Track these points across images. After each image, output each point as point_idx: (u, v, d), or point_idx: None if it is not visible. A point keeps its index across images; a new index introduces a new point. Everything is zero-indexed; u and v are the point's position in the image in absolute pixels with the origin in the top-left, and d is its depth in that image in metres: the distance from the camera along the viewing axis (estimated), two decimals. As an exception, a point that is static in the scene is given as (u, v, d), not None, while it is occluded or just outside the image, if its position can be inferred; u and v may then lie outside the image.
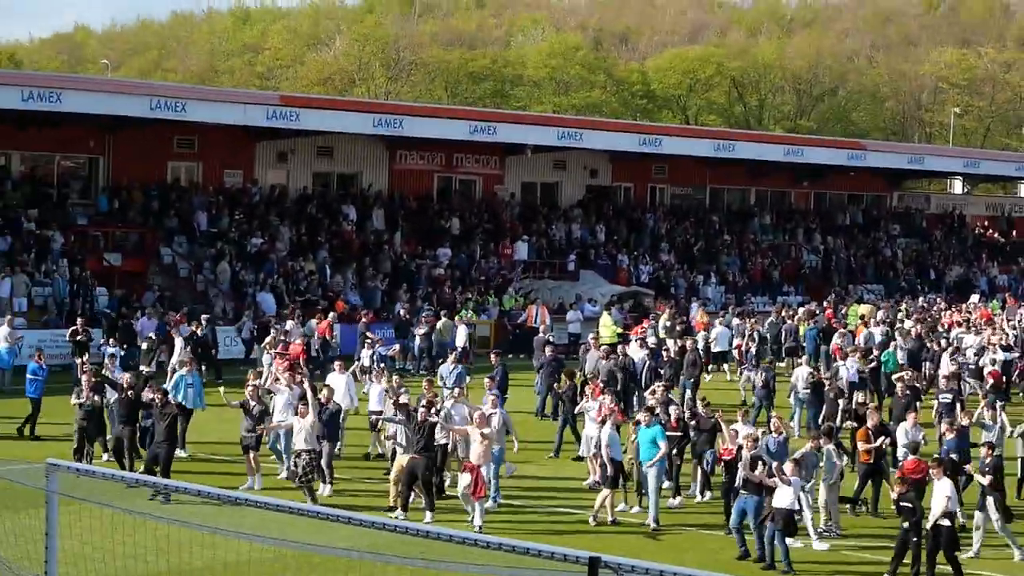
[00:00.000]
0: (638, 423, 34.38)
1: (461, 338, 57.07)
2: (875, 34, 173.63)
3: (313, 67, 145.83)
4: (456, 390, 38.95)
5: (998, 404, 39.12)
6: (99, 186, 68.75)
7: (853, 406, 42.21)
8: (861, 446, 34.62)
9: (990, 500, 30.86)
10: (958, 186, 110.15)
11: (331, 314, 57.51)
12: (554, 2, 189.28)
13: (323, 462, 35.39)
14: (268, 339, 50.14)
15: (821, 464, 32.86)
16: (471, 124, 76.63)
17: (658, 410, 36.05)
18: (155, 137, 68.41)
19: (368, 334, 52.13)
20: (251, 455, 35.63)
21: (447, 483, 35.85)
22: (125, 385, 37.38)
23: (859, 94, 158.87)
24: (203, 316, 54.89)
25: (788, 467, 30.48)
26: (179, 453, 37.09)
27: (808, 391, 44.47)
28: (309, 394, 35.35)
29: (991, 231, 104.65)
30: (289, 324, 53.42)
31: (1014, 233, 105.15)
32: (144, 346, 49.42)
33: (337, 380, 40.89)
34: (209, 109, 68.43)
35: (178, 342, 49.34)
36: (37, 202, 65.36)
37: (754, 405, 45.17)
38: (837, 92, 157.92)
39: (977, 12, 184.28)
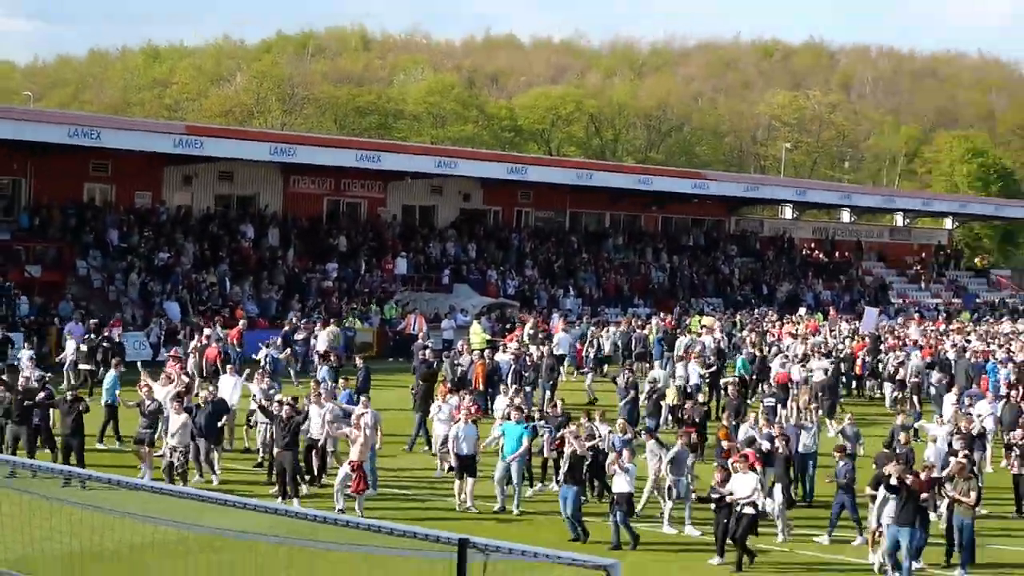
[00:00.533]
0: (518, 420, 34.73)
1: (323, 343, 56.54)
2: (716, 78, 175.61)
3: (216, 100, 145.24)
4: (321, 389, 38.87)
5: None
6: (21, 205, 68.19)
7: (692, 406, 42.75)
8: (725, 444, 34.45)
9: (777, 487, 31.48)
10: (788, 212, 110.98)
11: (241, 322, 57.30)
12: (432, 45, 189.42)
13: (202, 456, 35.79)
14: (193, 343, 50.49)
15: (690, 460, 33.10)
16: (357, 153, 76.90)
17: (526, 411, 36.65)
18: (73, 161, 67.93)
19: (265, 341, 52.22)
20: (144, 449, 35.50)
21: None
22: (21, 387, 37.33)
23: (702, 130, 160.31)
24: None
25: (626, 455, 30.98)
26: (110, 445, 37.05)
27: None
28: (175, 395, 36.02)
29: (817, 252, 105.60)
30: (207, 331, 53.13)
31: (836, 254, 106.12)
32: (84, 348, 49.31)
33: (226, 381, 40.69)
34: (122, 137, 68.26)
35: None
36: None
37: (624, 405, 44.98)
38: (683, 128, 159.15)
39: (806, 60, 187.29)
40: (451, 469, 35.28)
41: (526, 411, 36.70)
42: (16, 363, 44.21)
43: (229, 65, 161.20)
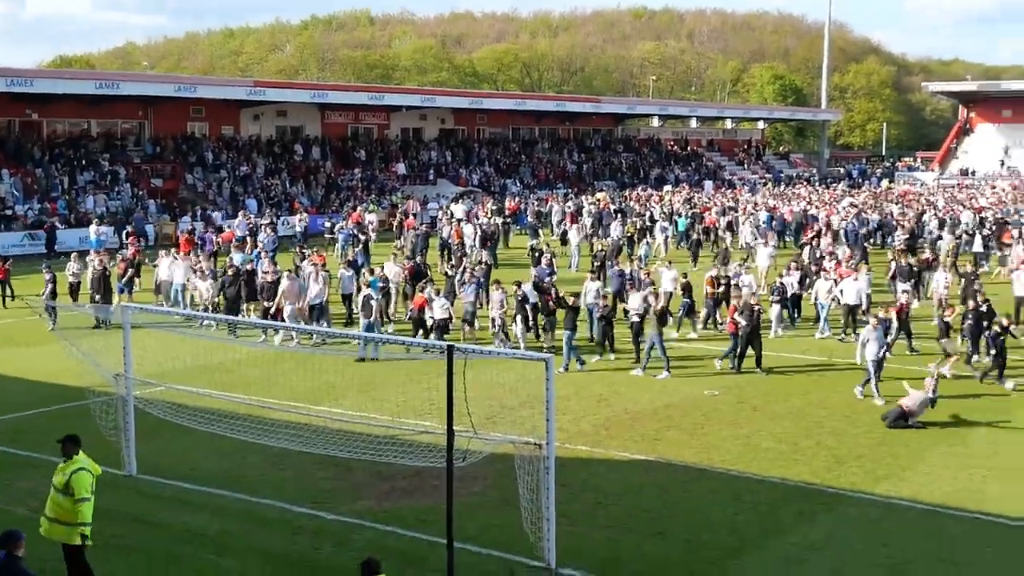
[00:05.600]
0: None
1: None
2: (605, 34, 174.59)
3: (273, 63, 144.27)
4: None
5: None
6: (145, 138, 67.50)
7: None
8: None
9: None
10: (656, 121, 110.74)
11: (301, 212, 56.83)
12: (416, 19, 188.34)
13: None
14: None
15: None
16: (368, 94, 78.19)
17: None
18: (178, 108, 67.51)
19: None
20: None
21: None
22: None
23: (597, 70, 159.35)
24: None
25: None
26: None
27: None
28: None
29: (675, 147, 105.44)
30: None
31: (688, 148, 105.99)
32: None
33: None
34: (211, 90, 69.15)
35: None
36: (109, 148, 64.24)
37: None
38: (584, 69, 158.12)
39: (664, 19, 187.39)
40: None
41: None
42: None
43: (281, 38, 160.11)
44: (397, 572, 14.29)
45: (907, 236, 48.00)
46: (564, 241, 50.74)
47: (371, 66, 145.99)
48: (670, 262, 36.89)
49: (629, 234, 49.82)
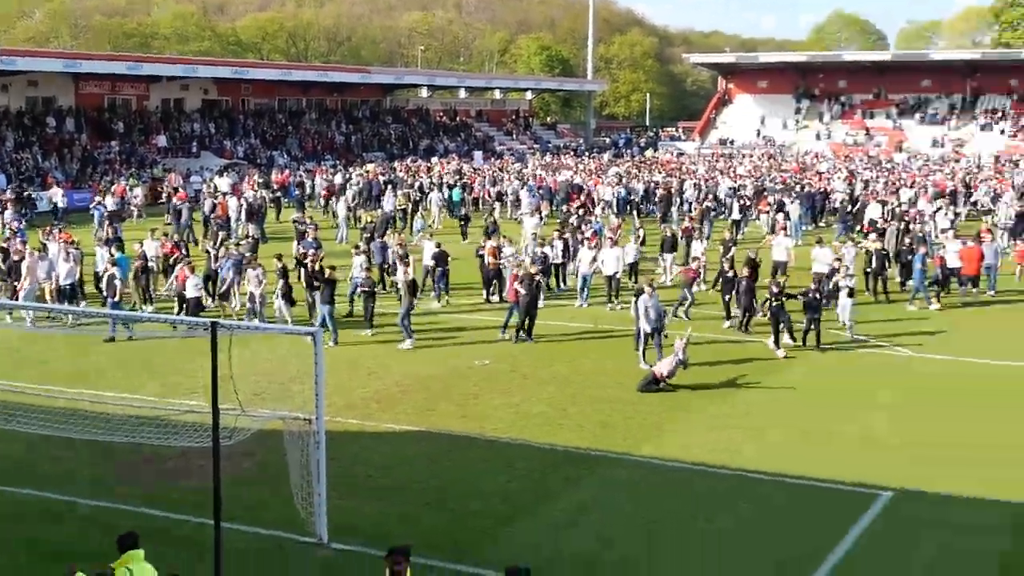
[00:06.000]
0: None
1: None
2: (371, 3, 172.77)
3: (21, 31, 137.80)
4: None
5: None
6: None
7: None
8: (491, 260, 32.04)
9: None
10: (424, 92, 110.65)
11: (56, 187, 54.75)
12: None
13: None
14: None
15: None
16: (127, 64, 75.10)
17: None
18: None
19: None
20: None
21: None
22: None
23: (364, 40, 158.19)
24: None
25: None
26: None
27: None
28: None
29: (444, 118, 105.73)
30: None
31: (458, 119, 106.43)
32: None
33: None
34: None
35: None
36: None
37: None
38: (351, 39, 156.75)
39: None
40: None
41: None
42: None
43: (29, 4, 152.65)
44: (167, 555, 14.03)
45: (664, 205, 49.93)
46: (334, 214, 50.31)
47: (128, 34, 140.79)
48: (431, 235, 36.96)
49: (403, 207, 49.90)
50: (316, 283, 27.69)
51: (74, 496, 16.28)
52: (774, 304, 25.85)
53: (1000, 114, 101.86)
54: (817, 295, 26.44)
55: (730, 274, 28.74)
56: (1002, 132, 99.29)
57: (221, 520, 13.33)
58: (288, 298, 28.50)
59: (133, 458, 17.63)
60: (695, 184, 57.05)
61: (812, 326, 26.22)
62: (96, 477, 17.14)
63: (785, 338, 25.96)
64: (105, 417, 17.43)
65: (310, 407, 14.63)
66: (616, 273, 31.59)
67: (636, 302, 25.15)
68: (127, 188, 55.50)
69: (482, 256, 32.68)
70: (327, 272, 27.35)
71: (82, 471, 17.36)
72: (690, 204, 52.27)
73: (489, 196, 56.49)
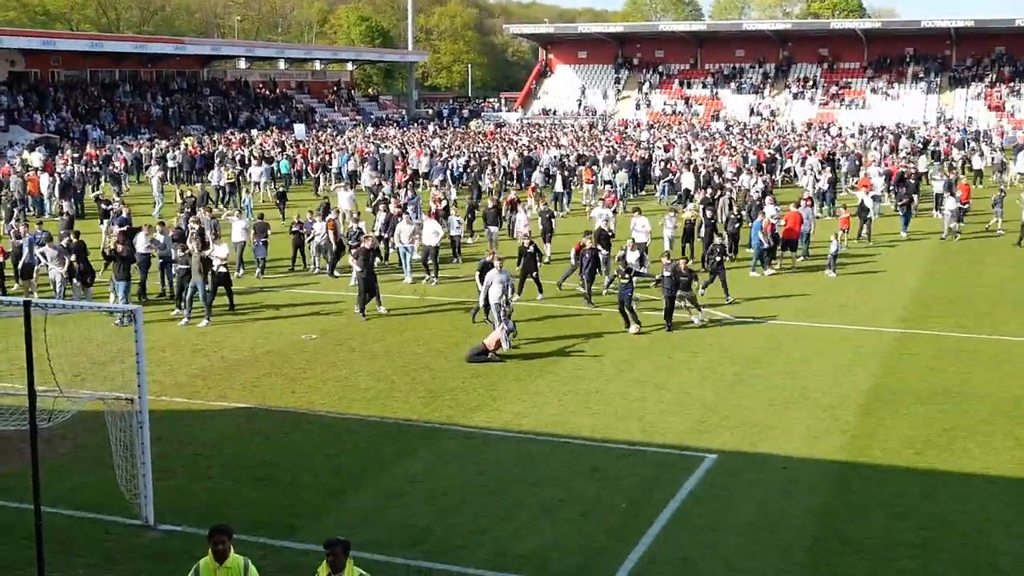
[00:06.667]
0: None
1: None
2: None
3: None
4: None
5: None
6: None
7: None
8: (331, 234, 32.34)
9: None
10: (243, 63, 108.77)
11: None
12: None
13: None
14: None
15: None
16: None
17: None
18: None
19: None
20: None
21: None
22: None
23: (179, 10, 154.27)
24: None
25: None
26: None
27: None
28: None
29: (264, 90, 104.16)
30: None
31: (278, 91, 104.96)
32: None
33: None
34: None
35: None
36: None
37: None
38: (166, 8, 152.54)
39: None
40: None
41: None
42: None
43: None
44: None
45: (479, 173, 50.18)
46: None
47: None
48: (240, 211, 36.33)
49: (230, 180, 48.97)
50: (111, 259, 27.18)
51: None
52: (622, 283, 25.35)
53: (811, 82, 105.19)
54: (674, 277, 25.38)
55: (530, 250, 28.87)
56: (811, 100, 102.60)
57: (41, 505, 12.93)
58: (79, 275, 27.75)
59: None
60: (520, 155, 57.47)
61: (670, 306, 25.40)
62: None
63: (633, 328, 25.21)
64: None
65: (133, 387, 14.26)
66: (434, 245, 31.55)
67: (481, 275, 25.19)
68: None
69: (297, 232, 32.86)
70: (119, 248, 26.90)
71: None
72: (512, 175, 52.60)
73: (320, 168, 55.94)
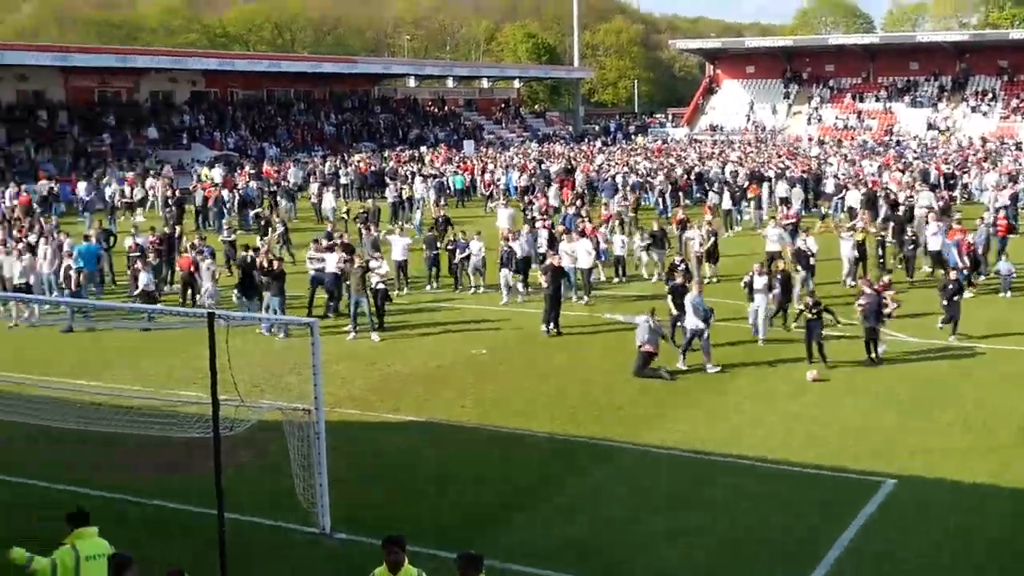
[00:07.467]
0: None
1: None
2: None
3: (10, 25, 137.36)
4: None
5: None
6: None
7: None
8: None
9: None
10: (412, 81, 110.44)
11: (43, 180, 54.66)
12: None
13: None
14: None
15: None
16: (116, 56, 75.09)
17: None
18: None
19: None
20: None
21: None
22: None
23: (351, 30, 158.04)
24: None
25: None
26: None
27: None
28: None
29: (433, 108, 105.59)
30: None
31: (446, 108, 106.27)
32: None
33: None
34: None
35: None
36: None
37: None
38: (338, 29, 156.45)
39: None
40: None
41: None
42: None
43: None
44: (170, 545, 14.01)
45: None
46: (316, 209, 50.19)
47: (116, 27, 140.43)
48: (400, 230, 36.27)
49: (408, 196, 49.78)
50: (265, 276, 27.46)
51: (73, 486, 16.16)
52: (810, 318, 23.59)
53: (990, 95, 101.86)
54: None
55: (681, 269, 27.48)
56: (986, 114, 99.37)
57: (224, 510, 13.27)
58: (245, 289, 28.13)
59: (134, 448, 17.49)
60: (687, 171, 56.94)
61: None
62: (96, 466, 17.05)
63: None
64: (106, 408, 17.29)
65: (308, 398, 14.57)
66: (589, 266, 31.09)
67: (675, 299, 24.52)
68: (135, 179, 55.36)
69: (451, 250, 32.94)
70: (275, 264, 27.43)
71: (82, 461, 17.25)
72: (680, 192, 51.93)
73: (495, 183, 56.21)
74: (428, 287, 32.76)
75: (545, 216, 38.58)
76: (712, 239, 33.60)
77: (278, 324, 25.74)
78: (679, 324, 24.17)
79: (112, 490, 16.13)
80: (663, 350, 22.81)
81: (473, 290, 32.34)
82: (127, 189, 52.76)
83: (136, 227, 35.05)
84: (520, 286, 31.38)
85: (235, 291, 28.29)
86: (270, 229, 38.22)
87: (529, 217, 39.49)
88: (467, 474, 16.98)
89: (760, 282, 25.58)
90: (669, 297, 25.04)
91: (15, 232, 33.98)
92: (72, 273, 28.53)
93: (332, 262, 28.61)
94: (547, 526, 15.01)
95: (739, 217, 46.31)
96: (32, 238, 32.77)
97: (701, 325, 23.05)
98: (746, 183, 50.90)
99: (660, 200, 50.85)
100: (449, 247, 33.35)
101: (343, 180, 58.32)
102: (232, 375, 13.30)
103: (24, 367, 22.87)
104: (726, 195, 46.63)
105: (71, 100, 73.89)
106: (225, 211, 47.21)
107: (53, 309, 28.87)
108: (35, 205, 48.62)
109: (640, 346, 22.45)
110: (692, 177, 55.53)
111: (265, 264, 27.51)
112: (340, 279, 28.39)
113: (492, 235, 36.10)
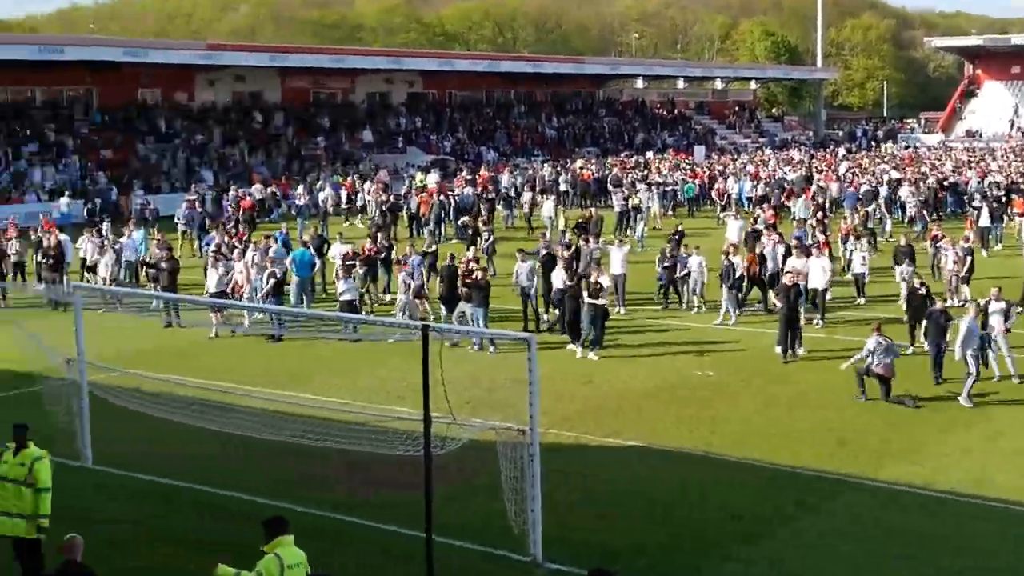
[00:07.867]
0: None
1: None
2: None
3: (226, 25, 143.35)
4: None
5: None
6: (93, 107, 67.11)
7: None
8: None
9: None
10: (640, 83, 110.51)
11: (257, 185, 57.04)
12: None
13: None
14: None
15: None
16: (331, 57, 77.33)
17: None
18: (128, 73, 66.57)
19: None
20: None
21: None
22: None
23: (574, 27, 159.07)
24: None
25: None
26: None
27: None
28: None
29: (662, 110, 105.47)
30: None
31: (676, 111, 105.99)
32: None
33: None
34: (163, 54, 68.21)
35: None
36: (55, 118, 63.88)
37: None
38: (561, 26, 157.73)
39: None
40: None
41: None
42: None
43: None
44: (373, 564, 14.35)
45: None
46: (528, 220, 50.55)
47: (332, 26, 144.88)
48: (621, 241, 36.03)
49: (635, 206, 48.61)
50: (465, 287, 27.57)
51: (275, 500, 16.56)
52: None
53: None
54: None
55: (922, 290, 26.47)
56: None
57: (432, 532, 13.52)
58: (447, 300, 28.39)
59: (339, 463, 17.93)
60: (939, 181, 55.10)
61: None
62: (302, 480, 17.60)
63: None
64: (312, 420, 17.75)
65: (523, 417, 14.63)
66: (824, 285, 30.18)
67: (947, 323, 23.52)
68: (355, 183, 57.08)
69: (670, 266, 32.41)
70: (478, 275, 27.62)
71: (288, 474, 17.82)
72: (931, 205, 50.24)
73: (727, 192, 55.56)
74: (662, 306, 32.48)
75: (771, 228, 37.37)
76: (968, 259, 32.35)
77: (487, 338, 26.04)
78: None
79: (313, 505, 16.42)
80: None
81: (696, 309, 31.96)
82: (343, 194, 54.39)
83: (340, 234, 35.95)
84: (730, 307, 30.45)
85: (440, 303, 28.64)
86: (478, 238, 38.74)
87: (751, 230, 38.42)
88: (690, 503, 16.86)
89: (996, 307, 24.17)
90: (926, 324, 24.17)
91: (228, 239, 34.69)
92: (272, 281, 29.15)
93: (558, 279, 28.65)
94: (776, 562, 14.77)
95: (998, 235, 44.45)
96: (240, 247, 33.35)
97: (971, 353, 22.19)
98: (1007, 196, 48.91)
99: (911, 213, 49.07)
100: (667, 264, 32.55)
101: (562, 187, 58.59)
102: (445, 391, 13.53)
103: (227, 376, 23.68)
104: (984, 210, 44.72)
105: (287, 101, 76.73)
106: (444, 218, 47.68)
107: (264, 318, 29.72)
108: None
109: (869, 370, 22.00)
110: (946, 188, 53.76)
111: (467, 274, 27.80)
112: (564, 293, 28.40)
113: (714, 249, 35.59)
